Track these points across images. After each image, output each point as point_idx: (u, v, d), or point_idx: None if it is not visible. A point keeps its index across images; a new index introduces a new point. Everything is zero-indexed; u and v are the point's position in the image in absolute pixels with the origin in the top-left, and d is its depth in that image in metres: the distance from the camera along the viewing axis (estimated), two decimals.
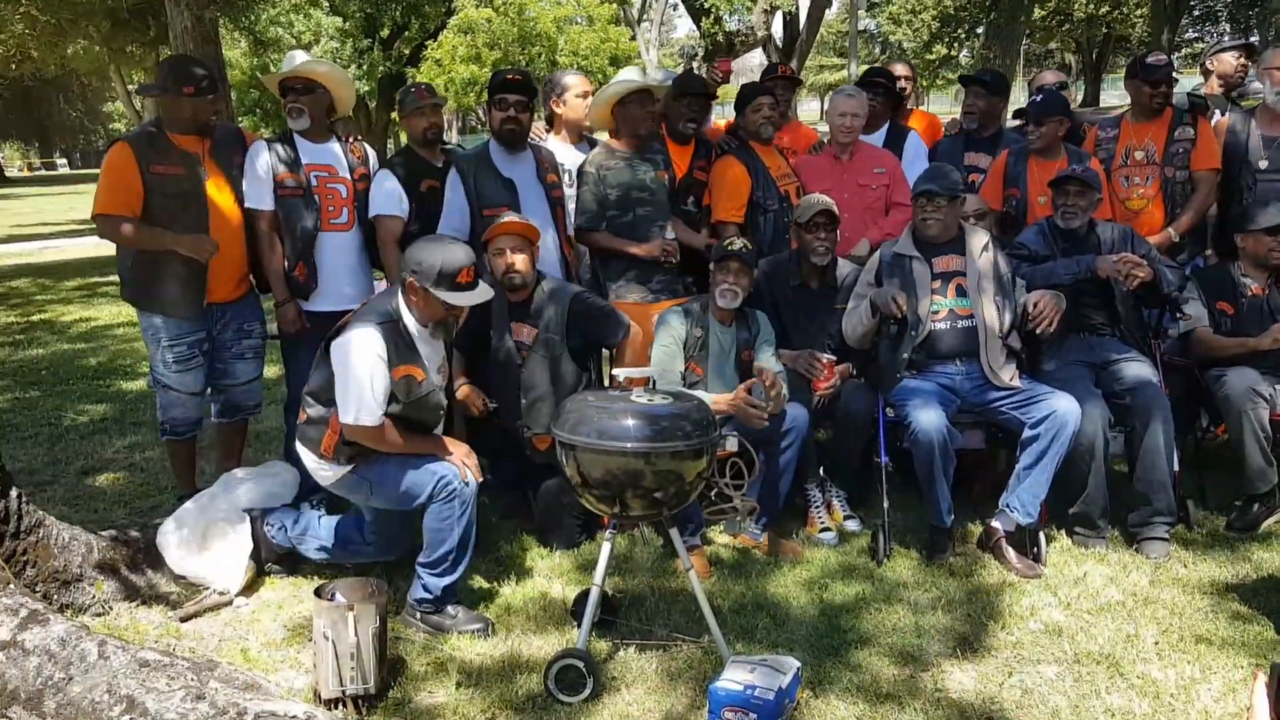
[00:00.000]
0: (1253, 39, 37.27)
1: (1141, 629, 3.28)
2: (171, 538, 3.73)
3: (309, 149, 4.26)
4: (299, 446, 3.56)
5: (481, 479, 3.35)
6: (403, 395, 3.33)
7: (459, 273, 3.30)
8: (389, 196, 4.25)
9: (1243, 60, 5.21)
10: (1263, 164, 4.51)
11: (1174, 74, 4.77)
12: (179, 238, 3.97)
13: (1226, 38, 7.07)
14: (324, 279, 4.24)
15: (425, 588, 3.35)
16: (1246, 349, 4.12)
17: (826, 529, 4.13)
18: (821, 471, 4.29)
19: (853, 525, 4.22)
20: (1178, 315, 4.27)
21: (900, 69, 5.82)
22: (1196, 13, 38.55)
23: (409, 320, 3.38)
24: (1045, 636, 3.27)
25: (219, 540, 3.74)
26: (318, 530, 3.74)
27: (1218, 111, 5.00)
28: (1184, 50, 30.19)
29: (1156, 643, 3.20)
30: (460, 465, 3.34)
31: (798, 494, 4.19)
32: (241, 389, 4.40)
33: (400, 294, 3.39)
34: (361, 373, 3.24)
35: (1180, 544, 3.91)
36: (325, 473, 3.48)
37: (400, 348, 3.32)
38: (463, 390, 4.00)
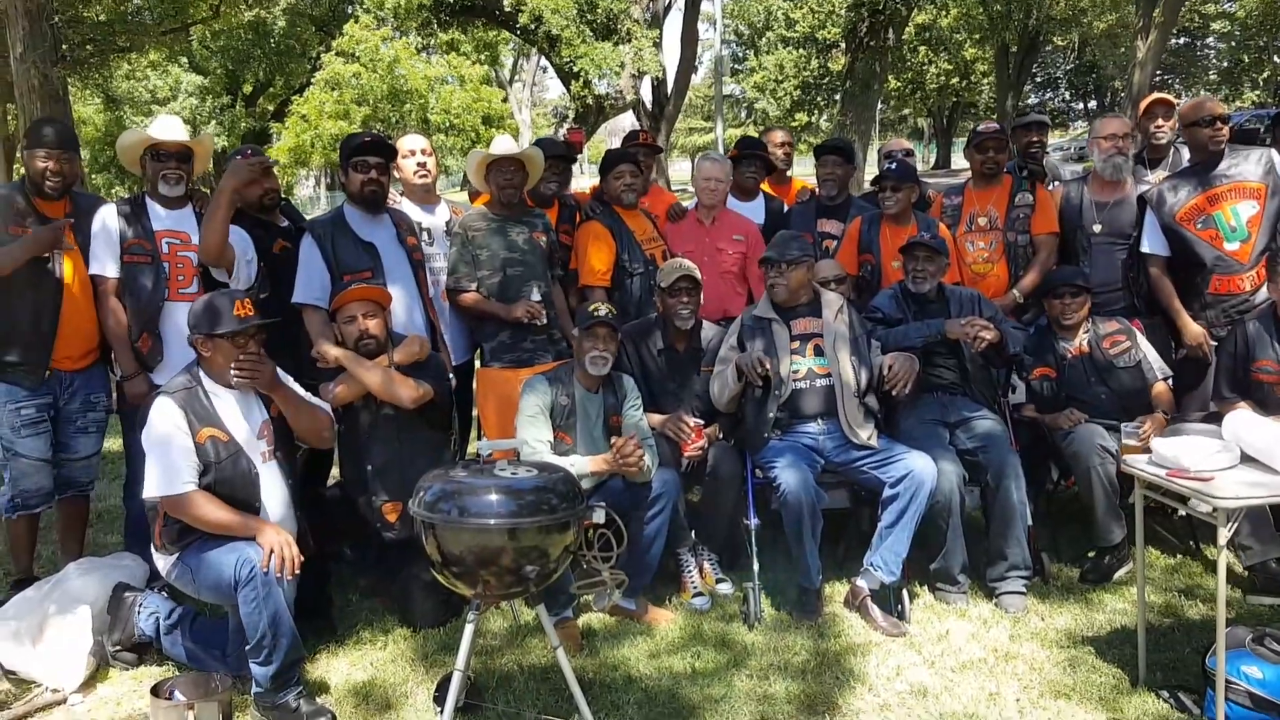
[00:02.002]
0: (1091, 104, 39.96)
1: (1003, 686, 3.35)
2: (4, 630, 3.48)
3: (162, 215, 4.09)
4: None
5: (295, 574, 3.18)
6: (213, 458, 3.25)
7: (232, 306, 3.32)
8: (241, 258, 4.05)
9: (1034, 138, 5.44)
10: (1096, 228, 4.76)
11: (1006, 141, 5.01)
12: (25, 243, 3.83)
13: (1032, 111, 7.54)
14: (171, 350, 4.01)
15: (255, 680, 3.18)
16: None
17: (699, 594, 4.10)
18: (693, 535, 4.27)
19: (725, 588, 4.20)
20: (1024, 373, 4.46)
21: (779, 136, 5.95)
22: (1039, 79, 41.25)
23: (207, 383, 3.36)
24: (911, 698, 3.30)
25: (57, 633, 3.50)
26: (188, 629, 3.55)
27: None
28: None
29: (1018, 699, 3.27)
30: (268, 553, 3.14)
31: (670, 558, 4.16)
32: (80, 464, 4.15)
33: (197, 361, 3.40)
34: (157, 443, 3.21)
35: (1037, 596, 4.02)
36: (161, 564, 3.34)
37: (199, 412, 3.28)
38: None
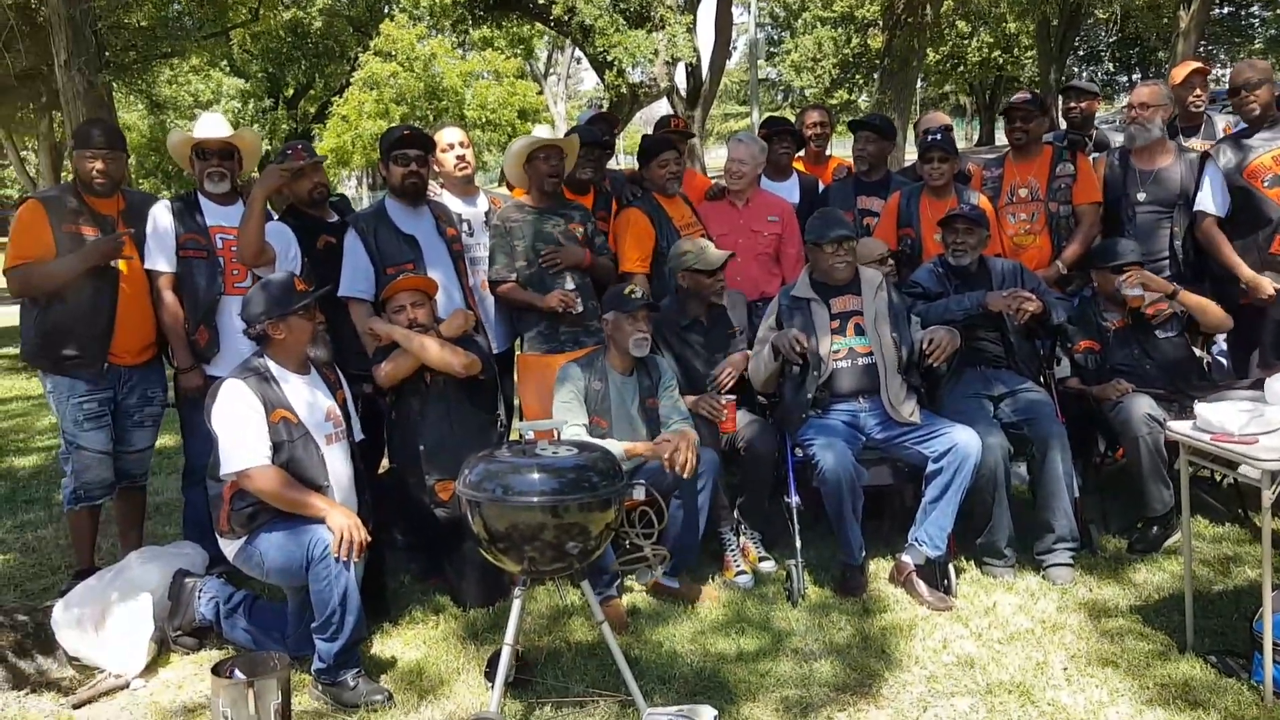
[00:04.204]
0: (1136, 76, 39.11)
1: (1050, 656, 3.34)
2: (67, 618, 3.57)
3: (215, 210, 4.19)
4: None
5: (360, 558, 3.25)
6: (285, 437, 3.33)
7: (290, 284, 3.46)
8: (282, 255, 4.16)
9: (1072, 105, 5.47)
10: (1141, 196, 4.71)
11: (1036, 111, 4.95)
12: (85, 253, 3.94)
13: (1083, 74, 7.49)
14: (227, 343, 4.11)
15: (319, 655, 3.26)
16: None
17: (742, 572, 4.13)
18: (735, 514, 4.29)
19: (768, 566, 4.22)
20: (1069, 345, 4.41)
21: (815, 115, 5.95)
22: (1081, 53, 40.42)
23: (275, 368, 3.44)
24: (958, 669, 3.30)
25: (119, 620, 3.58)
26: (248, 613, 3.64)
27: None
28: None
29: (1065, 668, 3.26)
30: (338, 539, 3.20)
31: (713, 538, 4.19)
32: (135, 457, 4.26)
33: (263, 349, 3.47)
34: (234, 420, 3.30)
35: (1084, 568, 4.00)
36: (228, 549, 3.42)
37: (269, 395, 3.36)
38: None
